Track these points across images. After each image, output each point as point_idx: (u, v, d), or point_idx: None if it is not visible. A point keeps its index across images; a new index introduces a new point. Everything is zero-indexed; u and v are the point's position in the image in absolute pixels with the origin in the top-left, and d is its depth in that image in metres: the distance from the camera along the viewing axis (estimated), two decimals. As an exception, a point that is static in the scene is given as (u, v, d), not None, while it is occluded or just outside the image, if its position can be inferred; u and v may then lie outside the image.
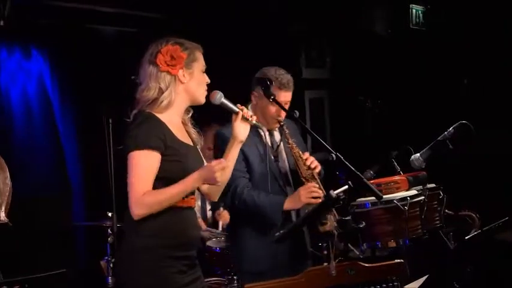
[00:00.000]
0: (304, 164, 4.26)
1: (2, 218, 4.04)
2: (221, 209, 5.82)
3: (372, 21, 7.02)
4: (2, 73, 5.82)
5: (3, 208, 4.06)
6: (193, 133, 3.60)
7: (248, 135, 3.96)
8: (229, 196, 4.26)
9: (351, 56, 7.30)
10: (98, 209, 5.34)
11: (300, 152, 4.30)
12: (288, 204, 4.23)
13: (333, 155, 3.74)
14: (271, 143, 4.43)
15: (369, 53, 7.11)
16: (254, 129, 4.12)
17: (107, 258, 5.00)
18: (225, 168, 3.40)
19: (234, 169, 3.85)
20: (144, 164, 3.32)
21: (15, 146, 5.81)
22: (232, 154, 3.63)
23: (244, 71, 6.10)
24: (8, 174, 4.13)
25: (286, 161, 4.42)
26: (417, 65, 6.89)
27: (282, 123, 4.35)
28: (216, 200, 3.85)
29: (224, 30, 6.45)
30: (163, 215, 3.38)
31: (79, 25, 5.97)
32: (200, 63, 3.54)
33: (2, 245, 4.35)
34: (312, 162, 4.27)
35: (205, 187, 3.68)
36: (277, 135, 4.45)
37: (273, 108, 4.30)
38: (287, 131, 4.34)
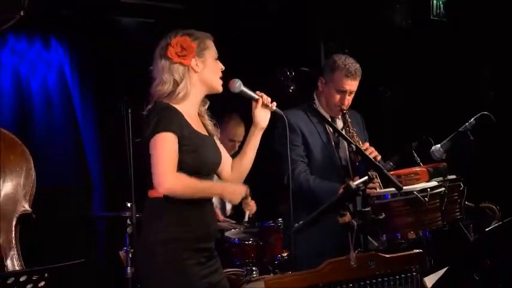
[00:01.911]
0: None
1: (27, 209, 4.07)
2: (249, 198, 5.84)
3: (392, 12, 6.97)
4: (22, 64, 5.84)
5: (27, 199, 4.09)
6: (209, 125, 3.61)
7: (312, 123, 4.12)
8: (286, 179, 4.32)
9: (370, 46, 7.26)
10: (117, 199, 5.35)
11: (360, 142, 4.33)
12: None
13: (353, 146, 3.74)
14: (333, 131, 4.50)
15: (389, 44, 7.07)
16: (319, 117, 4.23)
17: (126, 248, 5.01)
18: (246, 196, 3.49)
19: (294, 154, 3.94)
20: (169, 145, 3.33)
21: (36, 137, 5.84)
22: (254, 141, 3.65)
23: (264, 61, 6.11)
24: (32, 165, 4.16)
25: (346, 149, 4.47)
26: (438, 56, 6.85)
27: (344, 112, 4.43)
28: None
29: (243, 21, 6.44)
30: (182, 207, 3.38)
31: (98, 15, 5.98)
32: (212, 51, 3.54)
33: (24, 235, 4.38)
34: (372, 152, 4.29)
35: (227, 174, 3.69)
36: (339, 123, 4.55)
37: (337, 96, 4.44)
38: (349, 120, 4.41)
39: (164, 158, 3.30)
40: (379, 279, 3.28)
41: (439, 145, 4.40)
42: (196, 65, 3.48)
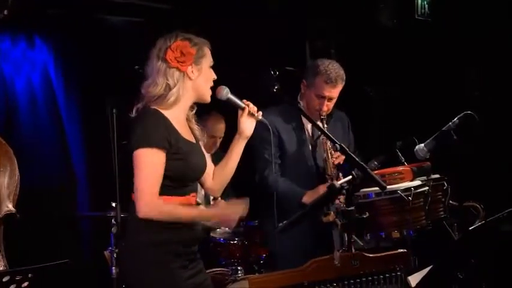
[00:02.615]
0: (333, 163, 4.30)
1: (10, 209, 4.06)
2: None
3: (377, 12, 6.99)
4: (7, 63, 5.81)
5: (11, 199, 4.08)
6: (197, 129, 3.61)
7: (290, 124, 4.11)
8: (257, 179, 4.32)
9: (356, 46, 7.28)
10: (102, 199, 5.34)
11: (332, 150, 4.31)
12: (306, 198, 4.27)
13: (337, 146, 3.73)
14: (312, 134, 4.48)
15: (374, 44, 7.09)
16: (298, 119, 4.22)
17: (111, 248, 5.00)
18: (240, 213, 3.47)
19: (267, 154, 3.93)
20: (151, 163, 3.32)
21: (20, 137, 5.81)
22: (237, 149, 3.64)
23: (250, 62, 6.11)
24: (16, 165, 4.15)
25: (323, 152, 4.46)
26: (423, 56, 6.87)
27: (322, 117, 4.40)
28: (218, 196, 3.86)
29: (230, 21, 6.43)
30: None
31: (83, 14, 5.96)
32: (208, 59, 3.53)
33: (8, 235, 4.36)
34: (338, 156, 4.29)
35: (208, 183, 3.68)
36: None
37: (315, 100, 4.39)
38: (326, 126, 4.37)
39: (143, 179, 3.31)
40: (364, 279, 3.30)
41: (422, 144, 4.40)
42: (192, 72, 3.46)
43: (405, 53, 6.94)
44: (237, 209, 3.48)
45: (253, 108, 3.61)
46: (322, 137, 4.40)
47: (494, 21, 6.48)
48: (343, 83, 4.50)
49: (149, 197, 3.30)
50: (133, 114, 3.46)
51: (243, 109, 3.60)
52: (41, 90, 6.04)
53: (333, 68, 4.44)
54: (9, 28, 5.72)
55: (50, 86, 6.06)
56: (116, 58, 5.93)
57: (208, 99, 3.56)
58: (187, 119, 3.59)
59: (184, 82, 3.45)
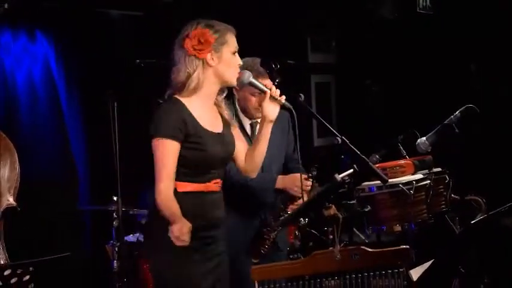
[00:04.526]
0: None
1: (11, 202, 4.06)
2: None
3: (379, 5, 6.98)
4: (8, 56, 5.80)
5: (12, 192, 4.08)
6: (226, 114, 3.61)
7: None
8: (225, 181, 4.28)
9: (357, 40, 7.27)
10: (103, 193, 5.35)
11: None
12: (279, 182, 4.23)
13: (339, 139, 3.71)
14: (252, 132, 4.37)
15: (376, 37, 7.08)
16: (238, 118, 4.14)
17: (112, 242, 5.01)
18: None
19: None
20: (165, 154, 3.39)
21: (21, 130, 5.80)
22: (264, 133, 3.62)
23: (250, 55, 6.09)
24: (16, 158, 4.16)
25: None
26: (424, 49, 6.86)
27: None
28: (254, 177, 3.83)
29: (230, 15, 6.41)
30: (186, 198, 3.44)
31: (84, 8, 5.95)
32: (230, 46, 3.53)
33: (9, 229, 4.36)
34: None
35: (241, 165, 3.71)
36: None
37: (252, 99, 4.24)
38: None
39: (158, 170, 3.40)
40: (365, 273, 3.30)
41: (424, 138, 4.39)
42: (212, 59, 3.46)
43: (407, 47, 6.93)
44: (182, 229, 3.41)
45: (275, 92, 3.57)
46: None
47: (496, 14, 6.48)
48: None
49: (160, 189, 3.37)
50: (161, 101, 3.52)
51: (264, 93, 3.59)
52: (42, 84, 6.02)
53: (255, 61, 4.31)
54: (10, 22, 5.71)
55: (51, 79, 6.04)
56: (117, 52, 5.92)
57: (234, 82, 3.56)
58: (216, 104, 3.61)
59: (205, 68, 3.46)
